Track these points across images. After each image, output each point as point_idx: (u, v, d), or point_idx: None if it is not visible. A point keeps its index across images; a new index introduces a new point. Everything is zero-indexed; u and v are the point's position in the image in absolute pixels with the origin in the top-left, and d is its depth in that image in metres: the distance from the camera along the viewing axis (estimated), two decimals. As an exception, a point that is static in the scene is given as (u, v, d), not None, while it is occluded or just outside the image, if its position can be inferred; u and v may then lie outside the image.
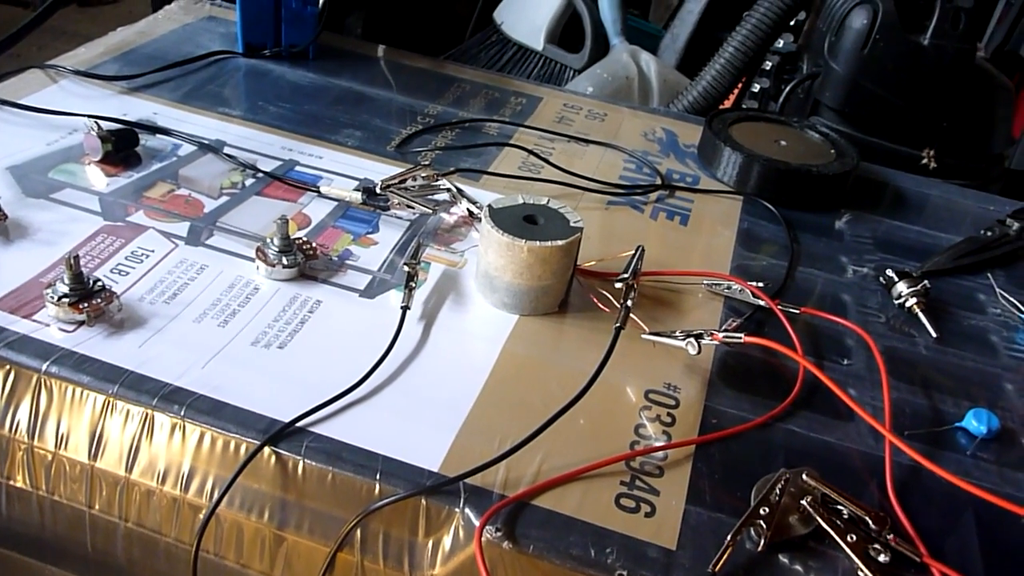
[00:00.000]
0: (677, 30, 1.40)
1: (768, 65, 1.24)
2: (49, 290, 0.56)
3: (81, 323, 0.56)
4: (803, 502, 0.48)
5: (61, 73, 0.87)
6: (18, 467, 0.53)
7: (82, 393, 0.52)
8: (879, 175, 0.93)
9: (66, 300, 0.55)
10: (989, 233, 0.80)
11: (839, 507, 0.49)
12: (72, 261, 0.55)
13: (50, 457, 0.52)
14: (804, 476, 0.50)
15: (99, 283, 0.57)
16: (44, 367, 0.52)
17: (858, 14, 1.02)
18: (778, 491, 0.48)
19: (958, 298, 0.73)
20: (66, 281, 0.56)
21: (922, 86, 1.03)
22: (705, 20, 1.37)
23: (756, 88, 1.26)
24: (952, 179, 1.01)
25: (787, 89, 1.13)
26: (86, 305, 0.55)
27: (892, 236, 0.81)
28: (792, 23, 1.18)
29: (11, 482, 0.53)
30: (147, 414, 0.51)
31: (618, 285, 0.60)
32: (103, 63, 0.90)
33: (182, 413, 0.51)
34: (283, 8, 0.94)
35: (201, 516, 0.50)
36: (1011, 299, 0.73)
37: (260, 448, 0.49)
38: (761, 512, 0.47)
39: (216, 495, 0.50)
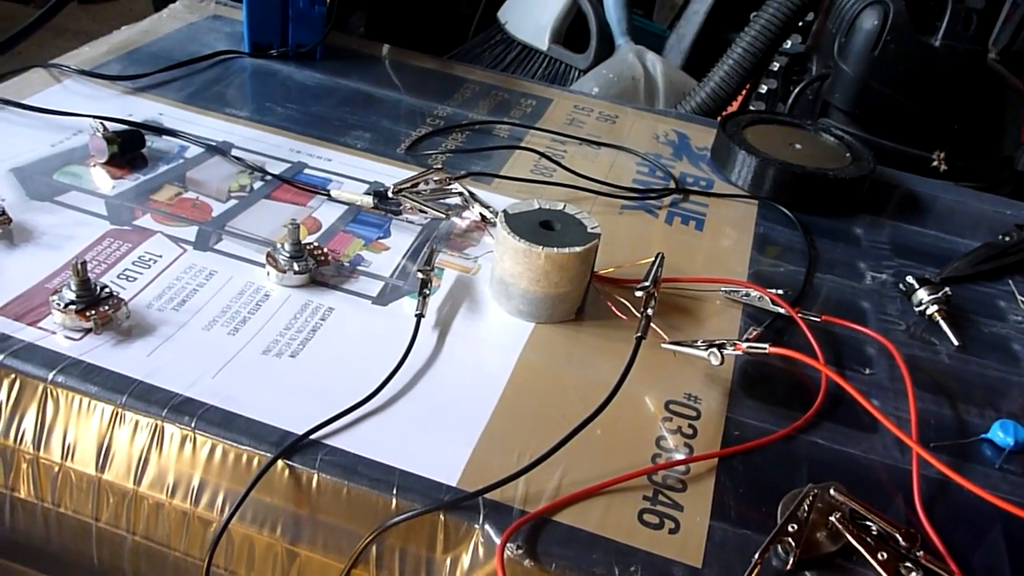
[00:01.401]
0: (683, 30, 1.39)
1: (776, 66, 1.23)
2: (55, 297, 0.54)
3: (88, 331, 0.54)
4: (832, 518, 0.47)
5: (65, 72, 0.85)
6: (23, 478, 0.52)
7: (89, 403, 0.51)
8: (893, 178, 0.92)
9: (73, 307, 0.54)
10: (1007, 238, 0.79)
11: (868, 523, 0.47)
12: (79, 267, 0.54)
13: (56, 468, 0.51)
14: (832, 491, 0.48)
15: (106, 289, 0.56)
16: (50, 376, 0.51)
17: (868, 15, 1.01)
18: (806, 507, 0.47)
19: (978, 305, 0.72)
20: (72, 287, 0.54)
21: (933, 87, 1.02)
22: (711, 20, 1.36)
23: (764, 89, 1.25)
24: (962, 181, 1.00)
25: (796, 91, 1.12)
26: (93, 312, 0.54)
27: (909, 241, 0.80)
28: (801, 24, 1.17)
29: (16, 493, 0.52)
30: (156, 425, 0.50)
31: (638, 293, 0.59)
32: (107, 62, 0.89)
33: (192, 424, 0.49)
34: (290, 7, 0.93)
35: (211, 530, 0.49)
36: (1032, 306, 0.72)
37: (273, 461, 0.48)
38: (789, 529, 0.46)
39: (228, 509, 0.48)
